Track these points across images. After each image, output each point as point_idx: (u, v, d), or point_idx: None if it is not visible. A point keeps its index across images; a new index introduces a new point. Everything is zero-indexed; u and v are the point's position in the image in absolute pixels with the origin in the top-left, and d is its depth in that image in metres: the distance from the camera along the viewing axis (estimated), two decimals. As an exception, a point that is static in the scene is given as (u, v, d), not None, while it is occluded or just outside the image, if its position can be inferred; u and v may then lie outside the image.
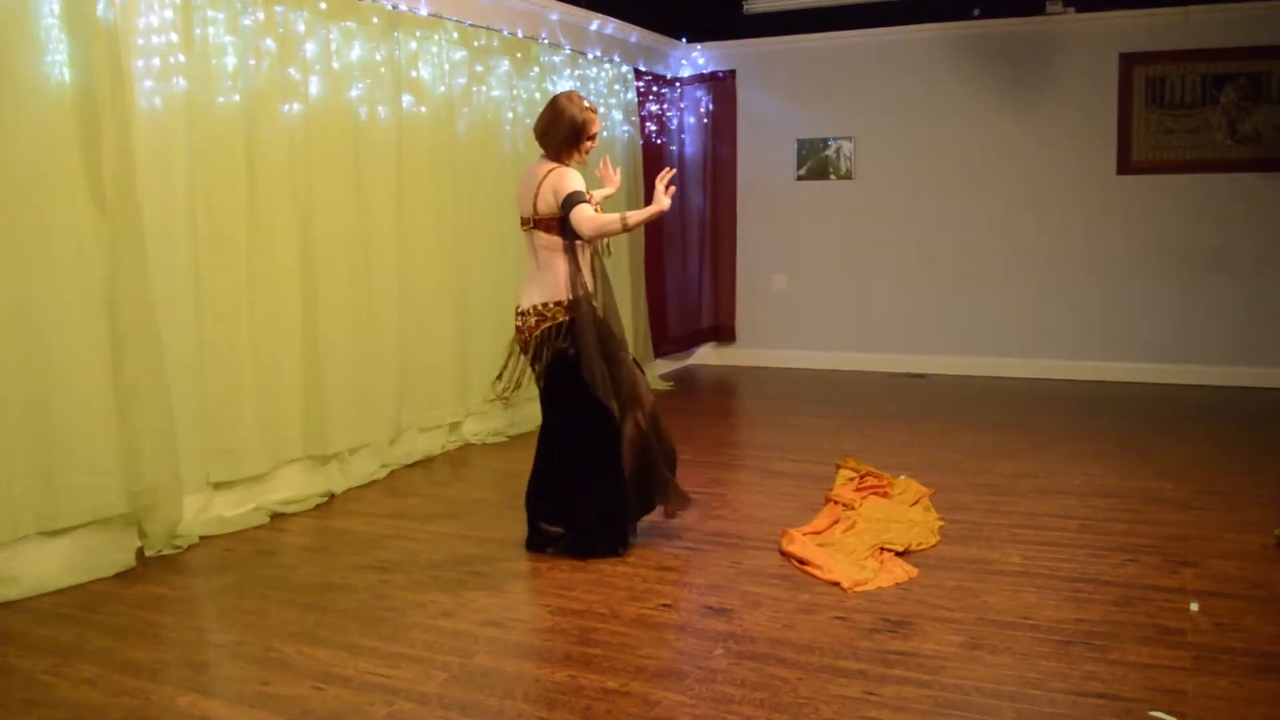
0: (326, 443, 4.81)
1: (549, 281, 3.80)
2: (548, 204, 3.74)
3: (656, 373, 7.85)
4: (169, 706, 2.75)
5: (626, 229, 3.68)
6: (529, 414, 5.86)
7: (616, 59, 7.27)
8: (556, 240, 3.77)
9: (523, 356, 3.89)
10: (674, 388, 7.65)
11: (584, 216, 3.66)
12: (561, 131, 3.79)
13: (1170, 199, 7.33)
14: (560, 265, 3.78)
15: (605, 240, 3.87)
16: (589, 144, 3.83)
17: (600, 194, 3.98)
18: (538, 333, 3.79)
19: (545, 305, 3.80)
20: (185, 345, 4.19)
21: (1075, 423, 6.23)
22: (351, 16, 4.91)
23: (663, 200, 3.76)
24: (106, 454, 3.78)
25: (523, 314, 3.84)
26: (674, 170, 3.94)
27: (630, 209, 7.30)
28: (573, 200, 3.67)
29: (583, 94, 6.78)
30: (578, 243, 3.79)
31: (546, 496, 3.95)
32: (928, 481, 4.78)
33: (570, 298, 3.78)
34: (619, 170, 4.01)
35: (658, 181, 3.85)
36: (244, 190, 4.38)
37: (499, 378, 4.02)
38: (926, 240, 7.97)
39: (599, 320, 3.82)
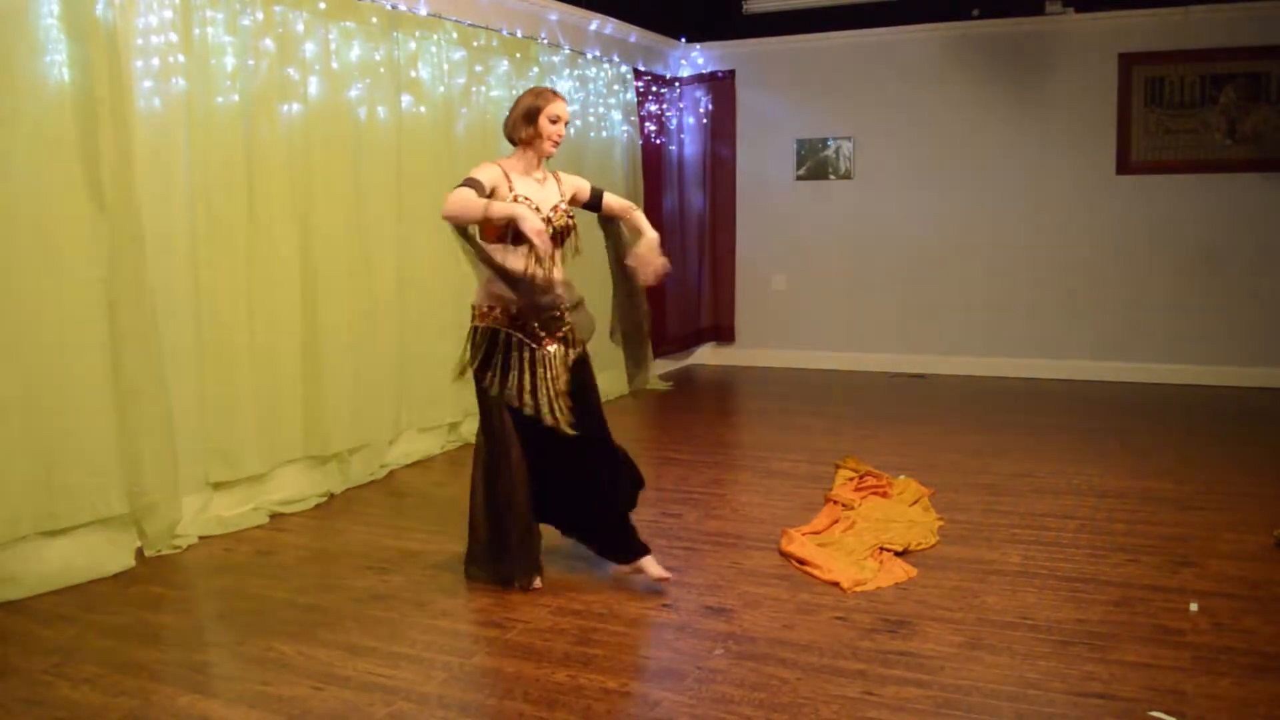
0: (326, 443, 4.81)
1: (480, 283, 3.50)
2: None
3: (656, 372, 7.85)
4: (169, 706, 2.75)
5: (485, 217, 3.26)
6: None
7: (616, 59, 7.27)
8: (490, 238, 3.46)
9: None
10: (673, 388, 7.66)
11: (447, 195, 3.26)
12: (515, 112, 3.49)
13: (1170, 199, 7.33)
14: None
15: (571, 240, 3.57)
16: (551, 128, 3.45)
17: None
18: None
19: (473, 306, 3.53)
20: (185, 345, 4.19)
21: (1075, 423, 6.23)
22: (351, 16, 4.91)
23: (529, 224, 3.24)
24: (106, 454, 3.78)
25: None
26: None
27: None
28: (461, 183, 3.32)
29: (581, 94, 6.82)
30: (505, 241, 3.42)
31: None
32: (927, 481, 4.78)
33: (484, 305, 3.48)
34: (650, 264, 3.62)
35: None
36: (243, 190, 4.38)
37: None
38: (926, 240, 7.97)
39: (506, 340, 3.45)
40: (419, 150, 5.37)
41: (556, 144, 3.51)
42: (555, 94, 3.51)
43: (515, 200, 3.43)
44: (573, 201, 3.66)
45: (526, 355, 3.47)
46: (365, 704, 2.74)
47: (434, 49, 5.46)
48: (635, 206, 3.82)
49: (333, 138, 4.82)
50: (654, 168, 7.85)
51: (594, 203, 3.71)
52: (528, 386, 3.45)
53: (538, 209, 3.45)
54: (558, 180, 3.63)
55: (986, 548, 3.94)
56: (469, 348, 3.53)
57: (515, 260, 3.42)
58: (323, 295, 4.78)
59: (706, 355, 8.84)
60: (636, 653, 3.05)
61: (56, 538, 3.69)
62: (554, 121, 3.47)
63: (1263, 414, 6.48)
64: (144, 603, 3.51)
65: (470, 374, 3.54)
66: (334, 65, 4.83)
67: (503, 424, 3.50)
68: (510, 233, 3.39)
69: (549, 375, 3.49)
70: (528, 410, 3.44)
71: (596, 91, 7.01)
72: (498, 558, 3.58)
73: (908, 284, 8.06)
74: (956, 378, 7.83)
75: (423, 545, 4.08)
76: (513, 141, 3.55)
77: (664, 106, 8.09)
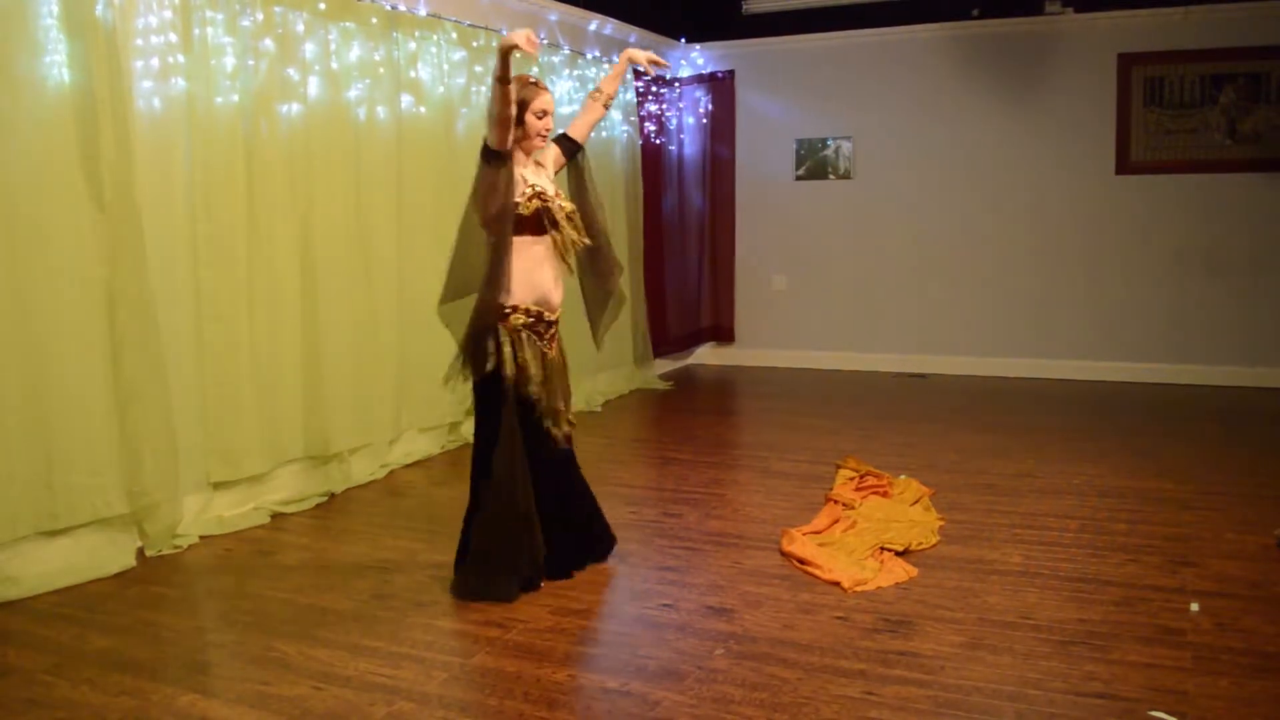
0: (326, 443, 4.81)
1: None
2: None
3: (656, 373, 7.85)
4: (169, 706, 2.75)
5: (504, 87, 3.21)
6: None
7: (616, 59, 7.25)
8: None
9: None
10: (673, 387, 7.66)
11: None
12: None
13: (1169, 199, 7.33)
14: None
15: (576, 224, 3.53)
16: (538, 123, 3.41)
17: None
18: None
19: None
20: (185, 345, 4.20)
21: (1075, 423, 6.23)
22: (350, 17, 4.91)
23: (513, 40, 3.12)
24: (106, 454, 3.78)
25: None
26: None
27: (629, 209, 7.35)
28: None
29: (581, 94, 6.81)
30: (502, 234, 3.41)
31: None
32: (928, 481, 4.78)
33: (507, 306, 3.46)
34: None
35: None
36: (243, 190, 4.38)
37: None
38: (926, 240, 7.97)
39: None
40: (419, 150, 5.37)
41: (544, 138, 3.47)
42: (540, 86, 3.43)
43: (528, 189, 3.41)
44: (559, 168, 3.61)
45: (539, 352, 3.49)
46: (365, 704, 2.74)
47: (434, 49, 5.46)
48: (597, 101, 3.70)
49: (333, 138, 4.82)
50: (654, 168, 7.84)
51: (572, 147, 3.60)
52: (537, 378, 3.48)
53: (555, 195, 3.47)
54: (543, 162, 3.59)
55: (987, 547, 3.94)
56: (493, 347, 3.45)
57: (538, 249, 3.43)
58: (323, 295, 4.78)
59: (706, 355, 8.84)
60: (636, 653, 3.05)
61: (56, 538, 3.69)
62: (540, 116, 3.41)
63: (1263, 414, 6.47)
64: (144, 603, 3.51)
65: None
66: (334, 65, 4.83)
67: (510, 428, 3.46)
68: (538, 222, 3.43)
69: (554, 374, 3.55)
70: (534, 394, 3.46)
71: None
72: (506, 567, 3.48)
73: (908, 284, 8.06)
74: (957, 378, 7.83)
75: (423, 545, 4.08)
76: None
77: (664, 106, 8.08)
